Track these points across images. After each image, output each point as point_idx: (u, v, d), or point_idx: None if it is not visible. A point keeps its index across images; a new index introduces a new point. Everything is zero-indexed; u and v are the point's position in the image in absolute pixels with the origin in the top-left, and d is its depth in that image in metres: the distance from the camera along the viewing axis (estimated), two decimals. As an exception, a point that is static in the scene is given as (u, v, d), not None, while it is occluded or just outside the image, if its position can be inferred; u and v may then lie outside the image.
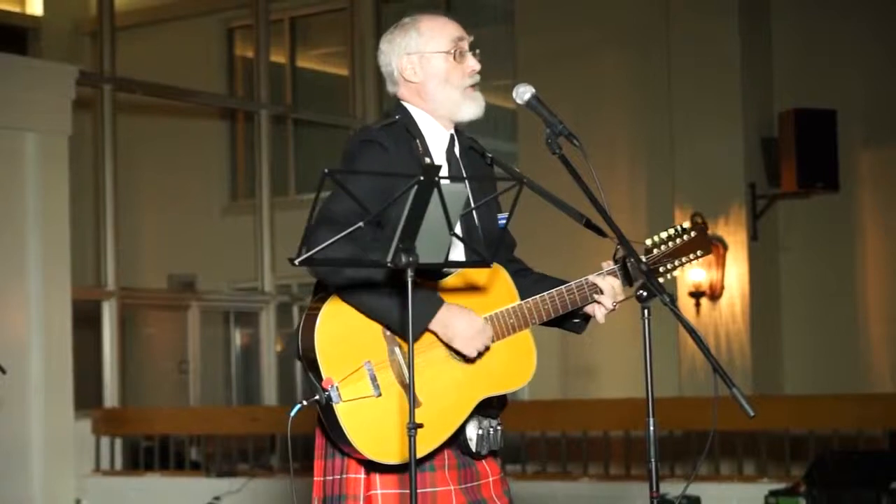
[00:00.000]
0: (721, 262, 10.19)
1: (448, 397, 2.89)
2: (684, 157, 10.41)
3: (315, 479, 3.02)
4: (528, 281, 3.09)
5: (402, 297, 2.77)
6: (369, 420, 2.81)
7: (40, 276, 9.40)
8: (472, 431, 2.95)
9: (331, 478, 2.98)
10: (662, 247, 3.07)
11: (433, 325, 2.84)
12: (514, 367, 2.98)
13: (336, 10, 13.10)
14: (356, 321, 2.85)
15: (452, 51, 3.03)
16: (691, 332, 2.68)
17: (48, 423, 9.37)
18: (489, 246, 2.96)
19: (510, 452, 8.55)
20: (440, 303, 2.84)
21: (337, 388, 2.80)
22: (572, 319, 3.11)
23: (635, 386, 9.33)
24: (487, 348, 2.90)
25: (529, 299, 2.98)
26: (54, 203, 9.55)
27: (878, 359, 10.36)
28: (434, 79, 3.04)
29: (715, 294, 10.21)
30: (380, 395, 2.83)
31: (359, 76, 12.80)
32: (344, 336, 2.83)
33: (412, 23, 3.07)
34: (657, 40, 10.79)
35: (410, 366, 2.61)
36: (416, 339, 2.81)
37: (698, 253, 3.10)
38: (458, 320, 2.84)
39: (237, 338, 12.65)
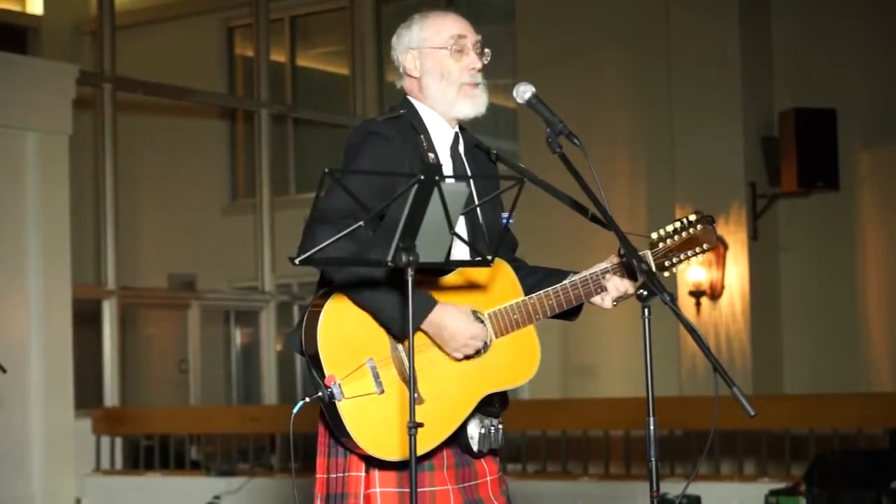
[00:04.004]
0: (721, 262, 10.19)
1: (451, 394, 2.88)
2: (684, 157, 10.41)
3: (318, 475, 3.02)
4: (534, 278, 3.07)
5: (396, 296, 2.78)
6: (372, 417, 2.81)
7: (40, 275, 9.39)
8: (473, 430, 2.95)
9: (334, 475, 2.98)
10: (668, 240, 3.04)
11: (424, 326, 2.84)
12: (518, 363, 2.97)
13: (336, 9, 13.10)
14: (359, 318, 2.85)
15: (449, 47, 3.02)
16: (692, 331, 2.67)
17: (48, 422, 9.37)
18: (491, 243, 2.96)
19: (510, 452, 8.55)
20: (432, 304, 2.83)
21: (339, 385, 2.80)
22: (568, 310, 3.09)
23: (635, 385, 9.33)
24: (478, 352, 2.89)
25: (534, 295, 2.98)
26: (54, 203, 9.55)
27: (878, 358, 10.36)
28: (430, 74, 3.03)
29: (715, 293, 10.21)
30: (382, 392, 2.83)
31: (359, 75, 12.80)
32: (347, 333, 2.83)
33: (419, 18, 3.08)
34: (657, 40, 10.79)
35: (411, 366, 2.61)
36: (405, 338, 2.82)
37: (704, 246, 3.05)
38: (451, 323, 2.83)
39: (237, 337, 12.65)
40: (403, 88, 3.12)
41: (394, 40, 3.10)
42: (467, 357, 2.88)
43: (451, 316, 2.84)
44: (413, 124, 3.02)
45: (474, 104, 3.04)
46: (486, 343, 2.93)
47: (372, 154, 2.92)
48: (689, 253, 3.05)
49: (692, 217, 3.07)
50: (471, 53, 3.04)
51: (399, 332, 2.83)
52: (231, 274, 12.76)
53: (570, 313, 3.09)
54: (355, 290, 2.82)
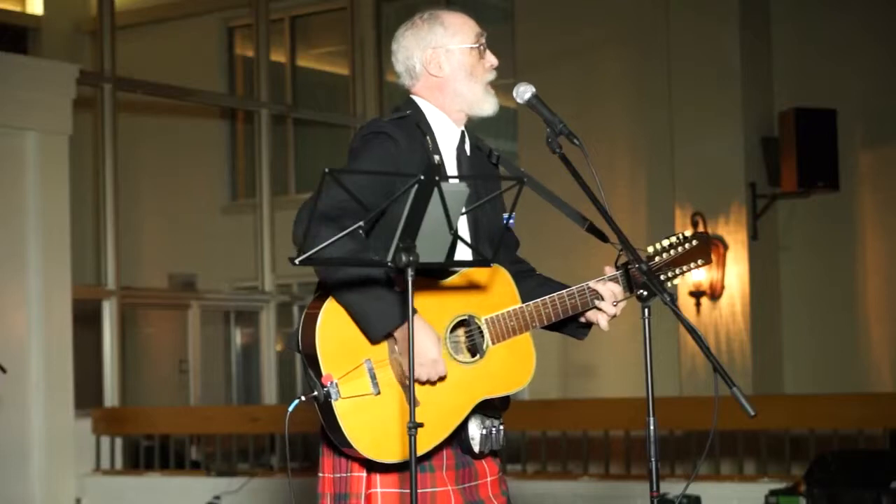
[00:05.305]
0: (721, 262, 10.19)
1: (446, 398, 2.88)
2: (685, 157, 10.41)
3: (325, 474, 3.02)
4: (531, 284, 3.08)
5: (377, 299, 2.76)
6: (367, 419, 2.81)
7: (40, 275, 9.39)
8: (475, 431, 2.95)
9: (339, 475, 2.98)
10: (664, 255, 3.07)
11: (397, 334, 2.79)
12: (513, 369, 2.97)
13: (336, 9, 13.10)
14: (357, 320, 2.84)
15: (477, 45, 3.04)
16: (692, 331, 2.67)
17: (48, 422, 9.37)
18: (492, 245, 2.96)
19: (510, 452, 8.55)
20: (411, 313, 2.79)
21: (336, 384, 2.79)
22: (574, 326, 3.11)
23: (635, 385, 9.33)
24: (431, 382, 2.84)
25: (531, 303, 2.98)
26: (54, 203, 9.55)
27: (878, 358, 10.36)
28: (460, 73, 3.03)
29: (715, 294, 10.21)
30: (379, 393, 2.83)
31: (359, 75, 12.79)
32: (345, 334, 2.82)
33: (433, 17, 3.05)
34: (657, 40, 10.79)
35: (411, 367, 2.61)
36: (377, 341, 2.81)
37: (699, 262, 3.10)
38: (421, 339, 2.76)
39: (237, 337, 12.65)
40: (410, 88, 3.09)
41: (406, 40, 3.06)
42: (419, 382, 2.82)
43: (424, 333, 2.78)
44: (419, 125, 3.01)
45: (495, 102, 3.08)
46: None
47: (377, 154, 2.91)
48: (685, 268, 3.10)
49: (687, 232, 3.12)
50: (489, 52, 3.07)
51: (370, 333, 2.80)
52: (231, 274, 12.77)
53: (578, 331, 3.12)
54: (340, 292, 2.79)
